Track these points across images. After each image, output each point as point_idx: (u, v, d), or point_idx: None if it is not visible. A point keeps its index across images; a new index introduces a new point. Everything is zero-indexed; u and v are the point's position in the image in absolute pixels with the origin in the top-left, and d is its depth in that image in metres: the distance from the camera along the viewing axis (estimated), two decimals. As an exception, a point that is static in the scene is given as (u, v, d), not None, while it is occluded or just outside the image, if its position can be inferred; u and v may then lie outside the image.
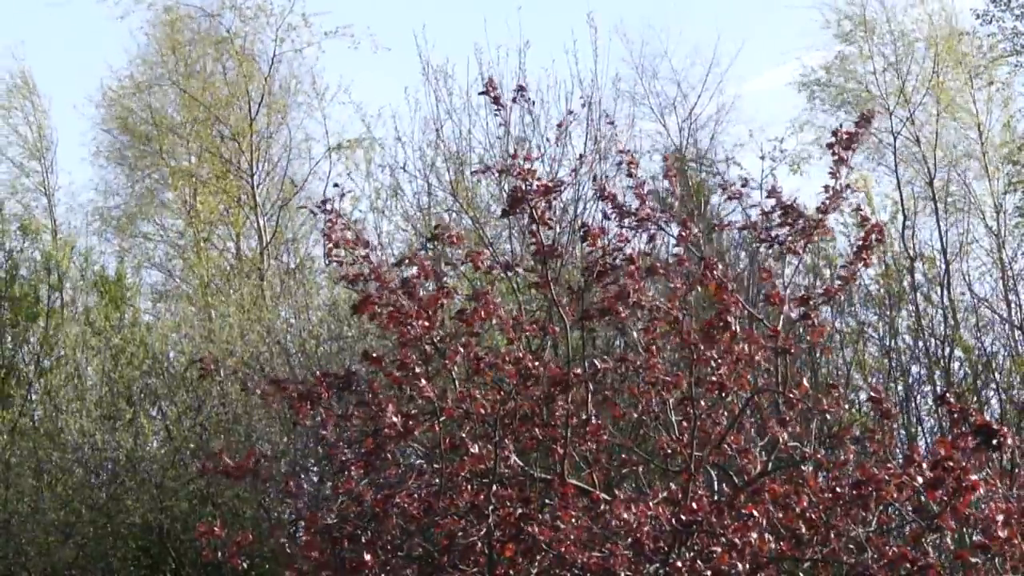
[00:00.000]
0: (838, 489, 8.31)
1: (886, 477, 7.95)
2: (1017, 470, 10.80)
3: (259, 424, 16.82)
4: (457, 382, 8.72)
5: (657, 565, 7.97)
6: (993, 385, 16.36)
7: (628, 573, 7.94)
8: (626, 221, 9.30)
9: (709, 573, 7.84)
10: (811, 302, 9.19)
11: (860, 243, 9.43)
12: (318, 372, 9.28)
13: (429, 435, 8.81)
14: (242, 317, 18.42)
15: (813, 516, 8.31)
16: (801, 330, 10.68)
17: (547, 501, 8.71)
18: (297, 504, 9.31)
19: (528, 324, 9.25)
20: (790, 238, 9.31)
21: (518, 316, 9.30)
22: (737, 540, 7.89)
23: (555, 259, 8.96)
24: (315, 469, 15.90)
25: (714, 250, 15.22)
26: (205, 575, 16.52)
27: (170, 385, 18.32)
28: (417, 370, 8.43)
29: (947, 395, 7.88)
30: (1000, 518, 7.72)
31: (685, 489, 8.66)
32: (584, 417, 8.90)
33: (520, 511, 8.42)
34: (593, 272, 8.90)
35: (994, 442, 7.25)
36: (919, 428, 16.02)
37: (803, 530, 8.26)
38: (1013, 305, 17.53)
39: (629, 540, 8.00)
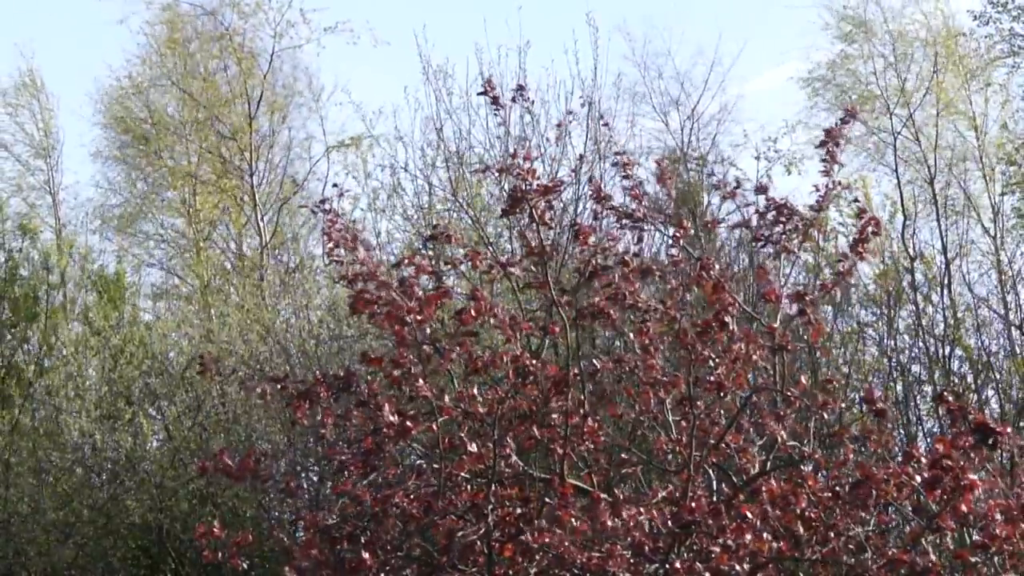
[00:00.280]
0: (837, 489, 8.31)
1: (885, 476, 7.94)
2: (1016, 468, 10.80)
3: (259, 424, 16.82)
4: (456, 381, 8.72)
5: (656, 565, 7.97)
6: (993, 385, 16.36)
7: (627, 574, 7.94)
8: (622, 222, 9.30)
9: (708, 574, 7.83)
10: (807, 298, 9.17)
11: (856, 236, 9.43)
12: (317, 372, 9.27)
13: (428, 435, 8.80)
14: (242, 317, 18.42)
15: (812, 516, 8.29)
16: (800, 329, 10.67)
17: (547, 501, 8.70)
18: (297, 504, 9.33)
19: (526, 323, 9.23)
20: (784, 236, 9.31)
21: (515, 315, 9.28)
22: (735, 541, 7.88)
23: (552, 259, 8.94)
24: (315, 469, 15.91)
25: (712, 250, 15.20)
26: (205, 575, 16.52)
27: (170, 385, 18.32)
28: (414, 370, 8.41)
29: (945, 394, 7.87)
30: (999, 516, 7.72)
31: (684, 489, 8.65)
32: (583, 415, 8.89)
33: (519, 511, 8.42)
34: (584, 272, 8.89)
35: (991, 440, 7.25)
36: (919, 428, 16.02)
37: (802, 530, 8.25)
38: (1011, 305, 17.54)
39: (628, 540, 7.99)
